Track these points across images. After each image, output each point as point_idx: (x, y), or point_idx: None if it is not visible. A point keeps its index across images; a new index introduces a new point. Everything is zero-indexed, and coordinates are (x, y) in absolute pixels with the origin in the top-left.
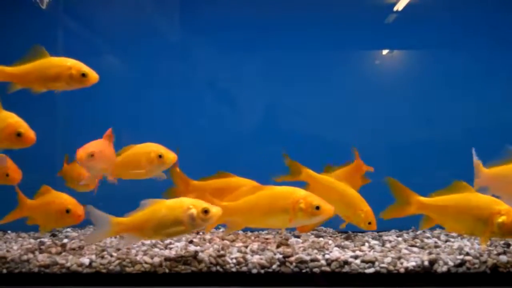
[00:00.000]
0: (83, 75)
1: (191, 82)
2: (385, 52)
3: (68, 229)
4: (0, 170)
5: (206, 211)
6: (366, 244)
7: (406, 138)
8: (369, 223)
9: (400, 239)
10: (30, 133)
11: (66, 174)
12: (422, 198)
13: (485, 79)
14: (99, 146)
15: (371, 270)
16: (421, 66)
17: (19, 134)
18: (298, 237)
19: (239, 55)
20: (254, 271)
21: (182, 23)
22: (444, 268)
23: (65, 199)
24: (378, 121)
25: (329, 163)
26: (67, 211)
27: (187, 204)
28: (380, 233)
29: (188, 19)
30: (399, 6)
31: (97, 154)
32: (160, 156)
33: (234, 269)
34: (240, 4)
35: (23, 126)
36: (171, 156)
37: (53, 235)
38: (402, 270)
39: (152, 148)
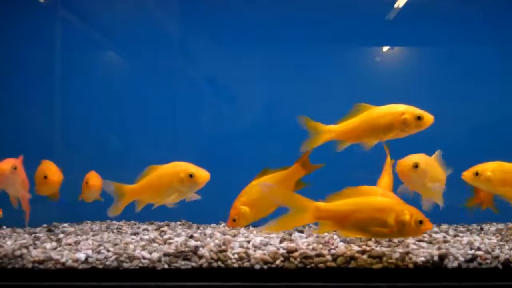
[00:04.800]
0: (419, 118)
1: (190, 79)
2: (385, 49)
3: (65, 224)
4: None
5: None
6: (373, 239)
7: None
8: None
9: None
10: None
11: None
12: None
13: (485, 77)
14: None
15: (379, 265)
16: (422, 63)
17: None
18: (301, 231)
19: (238, 51)
20: (257, 266)
21: (181, 18)
22: (455, 264)
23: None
24: None
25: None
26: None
27: None
28: None
29: (187, 14)
30: (400, 3)
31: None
32: (190, 176)
33: (236, 265)
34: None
35: None
36: (203, 174)
37: (49, 230)
38: (411, 266)
39: (181, 167)
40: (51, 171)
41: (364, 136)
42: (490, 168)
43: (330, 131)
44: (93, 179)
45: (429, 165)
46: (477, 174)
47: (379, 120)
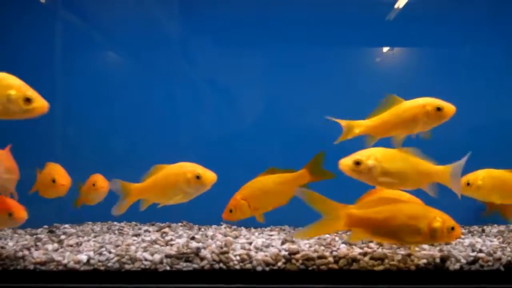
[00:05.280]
0: (438, 109)
1: (190, 79)
2: (385, 49)
3: (66, 225)
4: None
5: None
6: (374, 241)
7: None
8: None
9: None
10: None
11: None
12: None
13: (485, 77)
14: None
15: (381, 267)
16: (422, 63)
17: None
18: None
19: (238, 51)
20: (259, 268)
21: (182, 18)
22: (457, 266)
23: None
24: None
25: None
26: None
27: None
28: None
29: (187, 15)
30: (400, 4)
31: None
32: (197, 177)
33: (237, 267)
34: (239, 0)
35: None
36: (210, 176)
37: (51, 231)
38: (412, 268)
39: (188, 168)
40: (60, 174)
41: (392, 130)
42: (480, 176)
43: (359, 125)
44: (100, 181)
45: (383, 161)
46: (468, 184)
47: (405, 113)
